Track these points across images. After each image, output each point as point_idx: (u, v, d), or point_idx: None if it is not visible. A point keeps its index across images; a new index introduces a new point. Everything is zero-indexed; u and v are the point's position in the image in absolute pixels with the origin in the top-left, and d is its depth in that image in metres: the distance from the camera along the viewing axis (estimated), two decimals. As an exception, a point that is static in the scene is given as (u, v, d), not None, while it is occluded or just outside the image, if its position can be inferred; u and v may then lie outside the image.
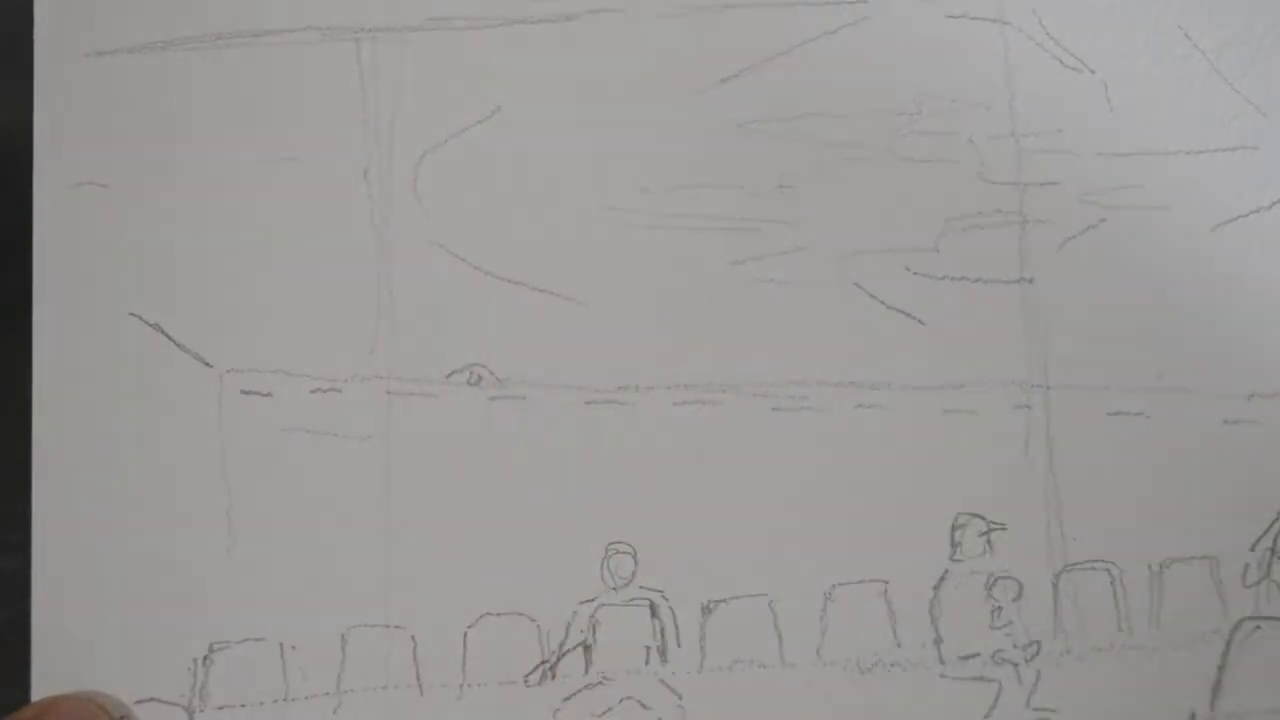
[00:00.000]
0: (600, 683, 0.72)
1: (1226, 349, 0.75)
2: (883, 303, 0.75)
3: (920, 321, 0.75)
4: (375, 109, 0.76)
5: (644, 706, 0.72)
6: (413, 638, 0.73)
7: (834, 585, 0.73)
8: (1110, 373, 0.75)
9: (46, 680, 0.71)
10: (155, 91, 0.76)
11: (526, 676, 0.72)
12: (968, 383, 0.74)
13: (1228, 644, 0.73)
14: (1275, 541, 0.73)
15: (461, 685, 0.72)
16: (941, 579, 0.73)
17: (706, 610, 0.73)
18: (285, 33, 0.76)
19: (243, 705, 0.72)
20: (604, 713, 0.72)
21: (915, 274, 0.75)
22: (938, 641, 0.73)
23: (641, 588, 0.73)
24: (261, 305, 0.74)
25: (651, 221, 0.75)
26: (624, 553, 0.73)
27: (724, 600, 0.73)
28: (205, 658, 0.72)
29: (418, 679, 0.72)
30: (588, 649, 0.72)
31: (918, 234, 0.76)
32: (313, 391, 0.73)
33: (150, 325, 0.73)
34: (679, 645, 0.73)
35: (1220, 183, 0.76)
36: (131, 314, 0.74)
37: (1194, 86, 0.77)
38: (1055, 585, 0.74)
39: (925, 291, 0.75)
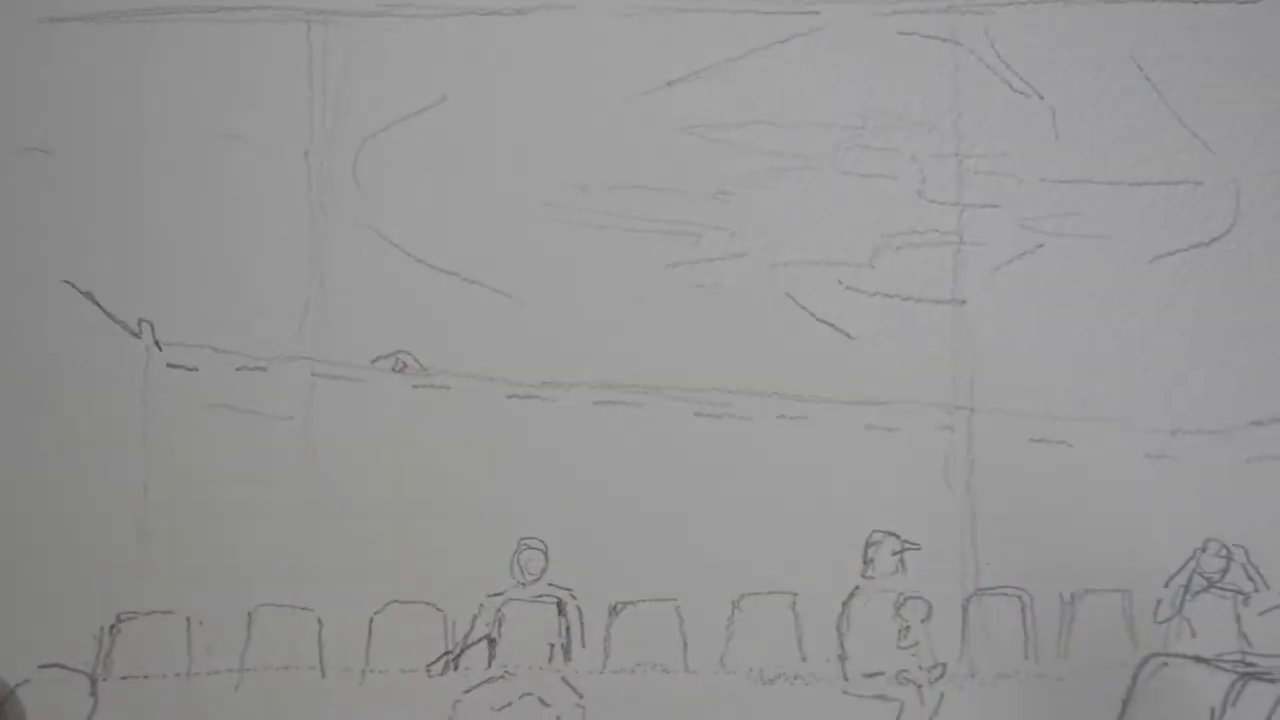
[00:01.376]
0: (502, 677, 0.74)
1: (1154, 383, 0.76)
2: (813, 315, 0.77)
3: (849, 336, 0.77)
4: (322, 91, 0.78)
5: (544, 703, 0.74)
6: (319, 620, 0.75)
7: (743, 594, 0.75)
8: (1036, 400, 0.76)
9: (-47, 639, 0.72)
10: (106, 61, 0.78)
11: (429, 666, 0.74)
12: (892, 400, 0.76)
13: (1134, 678, 0.74)
14: (1190, 579, 0.74)
15: (364, 670, 0.74)
16: (851, 595, 0.75)
17: (614, 611, 0.75)
18: (239, 10, 0.79)
19: (146, 676, 0.74)
20: (503, 707, 0.74)
21: (848, 288, 0.77)
22: (843, 657, 0.75)
23: (550, 585, 0.75)
24: (194, 280, 0.76)
25: (588, 220, 0.77)
26: (535, 549, 0.75)
27: (632, 602, 0.75)
28: (112, 627, 0.74)
29: (321, 661, 0.74)
30: (492, 642, 0.74)
31: (853, 248, 0.78)
32: (239, 369, 0.75)
33: (83, 294, 0.75)
34: (584, 645, 0.75)
35: (1161, 216, 0.77)
36: (65, 281, 0.76)
37: (1141, 118, 0.78)
38: (965, 608, 0.75)
39: (857, 306, 0.77)
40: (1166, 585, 0.75)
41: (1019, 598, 0.75)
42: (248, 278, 0.77)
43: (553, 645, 0.75)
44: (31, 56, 0.79)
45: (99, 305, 0.76)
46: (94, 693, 0.73)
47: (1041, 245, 0.78)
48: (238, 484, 0.75)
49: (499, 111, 0.78)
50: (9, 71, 0.78)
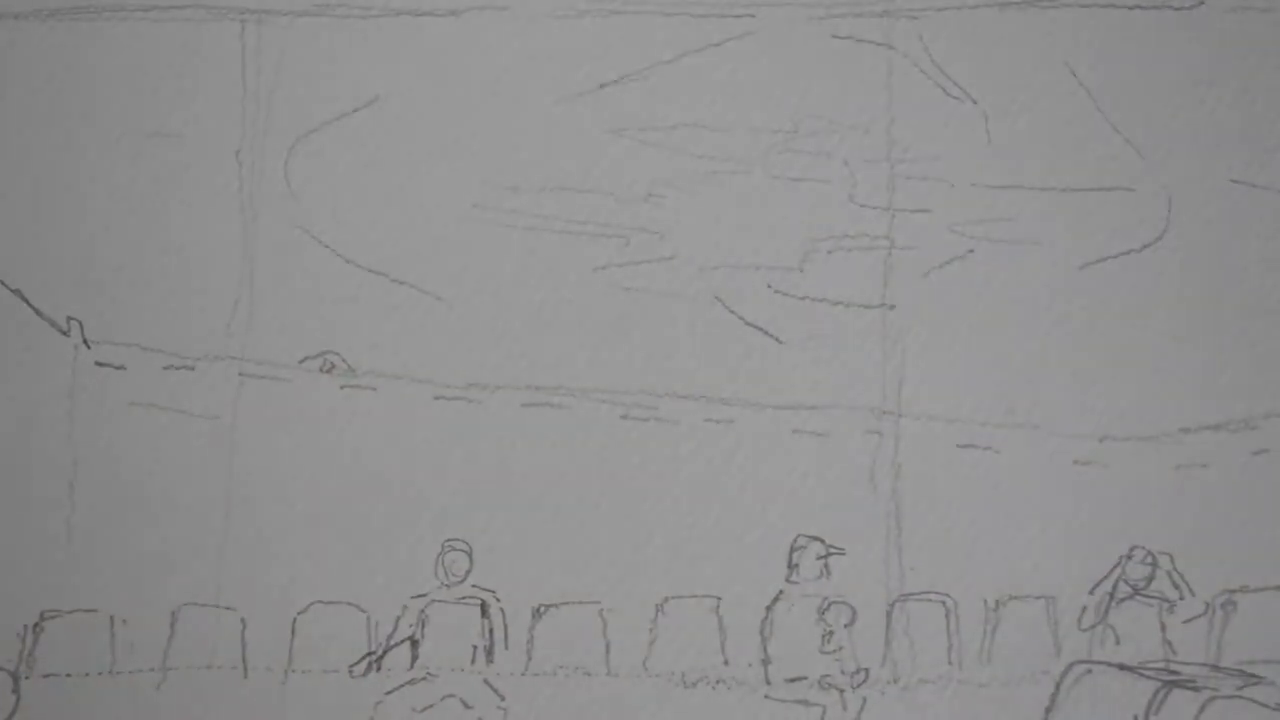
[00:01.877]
0: (424, 678, 0.75)
1: (1083, 389, 0.77)
2: (742, 318, 0.77)
3: (778, 340, 0.77)
4: (254, 90, 0.79)
5: (466, 705, 0.75)
6: (242, 620, 0.76)
7: (666, 598, 0.76)
8: (963, 405, 0.77)
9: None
10: (39, 57, 0.79)
11: (351, 666, 0.75)
12: (820, 405, 0.77)
13: (1058, 685, 0.75)
14: (1115, 587, 0.75)
15: (287, 670, 0.75)
16: (775, 599, 0.76)
17: (537, 614, 0.76)
18: (173, 9, 0.79)
19: (69, 675, 0.74)
20: (425, 708, 0.75)
21: (777, 292, 0.78)
22: (765, 661, 0.75)
23: (474, 586, 0.76)
24: (123, 278, 0.77)
25: (517, 221, 0.78)
26: (460, 550, 0.75)
27: (555, 605, 0.76)
28: (36, 625, 0.75)
29: (244, 661, 0.75)
30: (415, 644, 0.75)
31: (783, 252, 0.78)
32: (165, 368, 0.76)
33: (11, 290, 0.76)
34: (506, 647, 0.76)
35: (1093, 222, 0.78)
36: (-8, 278, 0.76)
37: (1075, 124, 0.79)
38: (889, 614, 0.76)
39: (786, 310, 0.78)
40: (1092, 592, 0.76)
41: (943, 603, 0.76)
42: (177, 276, 0.77)
43: (476, 647, 0.75)
44: (-42, 51, 0.78)
45: (27, 302, 0.76)
46: (16, 690, 0.74)
47: (972, 250, 0.78)
48: (164, 483, 0.76)
49: (431, 112, 0.79)
50: (-62, 67, 0.78)
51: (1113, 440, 0.77)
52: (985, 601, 0.76)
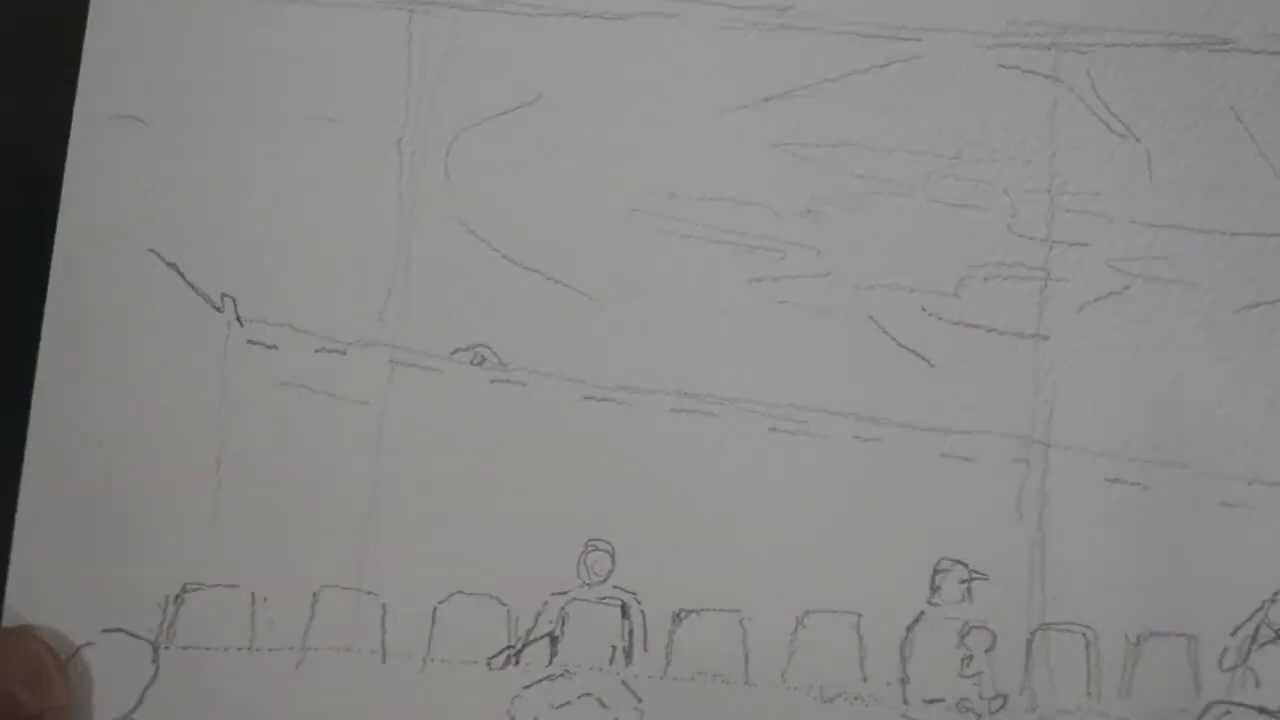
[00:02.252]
0: (562, 675, 0.78)
1: (1233, 431, 0.80)
2: (895, 339, 0.80)
3: (930, 363, 0.80)
4: (418, 81, 0.82)
5: (603, 705, 0.77)
6: (383, 605, 0.78)
7: (807, 611, 0.78)
8: (1112, 439, 0.80)
9: (19, 598, 0.76)
10: (207, 33, 0.82)
11: (490, 659, 0.78)
12: (969, 430, 0.80)
13: (1196, 725, 0.77)
14: (1257, 630, 0.78)
15: (425, 658, 0.77)
16: (916, 620, 0.79)
17: (677, 618, 0.78)
18: (342, -5, 0.82)
19: (208, 648, 0.77)
20: (562, 705, 0.77)
21: (931, 315, 0.81)
22: (904, 681, 0.78)
23: (615, 587, 0.78)
24: (279, 259, 0.80)
25: (675, 229, 0.81)
26: (602, 550, 0.78)
27: (696, 611, 0.78)
28: (177, 596, 0.77)
29: (383, 646, 0.78)
30: (554, 640, 0.78)
31: (939, 276, 0.81)
32: (317, 350, 0.79)
33: (168, 264, 0.79)
34: (645, 649, 0.78)
35: (1250, 266, 0.81)
36: (150, 250, 0.80)
37: (1237, 169, 0.82)
38: (1030, 642, 0.79)
39: (939, 334, 0.81)
40: (1234, 634, 0.78)
41: (1084, 634, 0.79)
42: (333, 261, 0.80)
43: (614, 648, 0.78)
44: (132, 23, 0.82)
45: (183, 277, 0.79)
46: (155, 660, 0.76)
47: (1128, 286, 0.81)
48: (310, 464, 0.78)
49: (593, 114, 0.82)
50: (109, 37, 0.81)
51: (1261, 484, 0.79)
52: (1126, 636, 0.79)
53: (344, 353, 0.78)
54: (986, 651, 0.77)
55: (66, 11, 0.81)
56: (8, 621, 0.75)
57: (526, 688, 0.77)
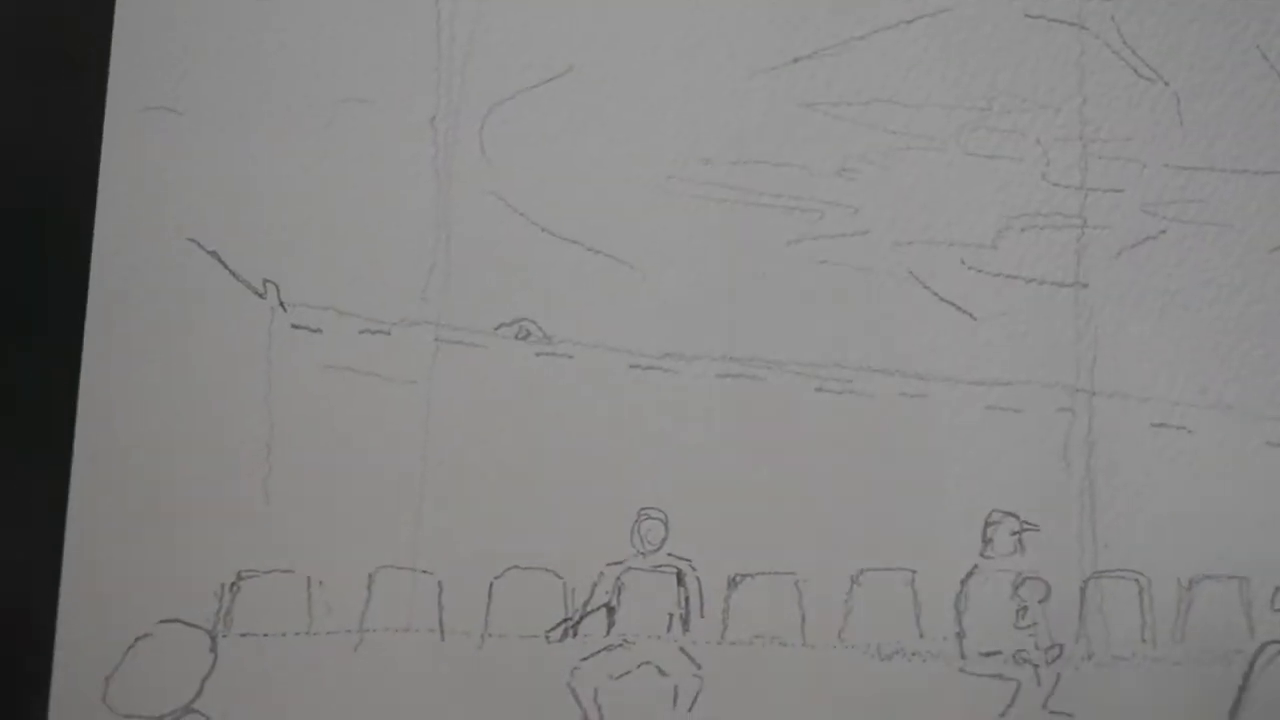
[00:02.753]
0: (621, 645, 0.77)
1: (1275, 371, 0.79)
2: (936, 294, 0.80)
3: (972, 316, 0.80)
4: (449, 57, 0.81)
5: (662, 672, 0.77)
6: (439, 583, 0.78)
7: (861, 570, 0.78)
8: (1156, 384, 0.80)
9: (75, 591, 0.76)
10: (235, 21, 0.81)
11: (548, 632, 0.77)
12: (1013, 381, 0.80)
13: (1250, 665, 0.78)
14: (1308, 568, 0.77)
15: (483, 635, 0.77)
16: (970, 574, 0.78)
17: (733, 583, 0.78)
18: (367, -25, 0.81)
19: (265, 634, 0.76)
20: (622, 675, 0.77)
21: (971, 269, 0.80)
22: (960, 635, 0.78)
23: (670, 555, 0.78)
24: (318, 242, 0.79)
25: (711, 193, 0.80)
26: (655, 519, 0.78)
27: (751, 575, 0.78)
28: (232, 584, 0.77)
29: (440, 624, 0.77)
30: (611, 611, 0.78)
31: (977, 229, 0.81)
32: (361, 332, 0.79)
33: (208, 252, 0.79)
34: (702, 615, 0.78)
35: (1284, 206, 0.80)
36: (190, 239, 0.79)
37: (1266, 108, 0.82)
38: (1083, 590, 0.78)
39: (979, 287, 0.80)
40: (1285, 573, 0.78)
41: (1136, 581, 0.78)
42: (372, 242, 0.79)
43: (671, 615, 0.78)
44: (158, 15, 0.81)
45: (224, 264, 0.79)
46: (214, 649, 0.76)
47: (1164, 231, 0.81)
48: (360, 446, 0.78)
49: (625, 84, 0.81)
50: (137, 30, 0.81)
51: (1305, 423, 0.79)
52: (1179, 580, 0.79)
53: (388, 333, 0.77)
54: (1041, 602, 0.77)
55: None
56: (63, 619, 0.74)
57: (585, 659, 0.76)
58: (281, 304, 0.78)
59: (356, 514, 0.77)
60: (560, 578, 0.77)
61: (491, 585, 0.77)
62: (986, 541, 0.77)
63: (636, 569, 0.76)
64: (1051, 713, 0.77)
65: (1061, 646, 0.77)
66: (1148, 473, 0.78)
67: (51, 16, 0.81)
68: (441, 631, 0.76)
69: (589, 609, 0.76)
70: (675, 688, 0.76)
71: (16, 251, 0.78)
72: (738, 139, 0.80)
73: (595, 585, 0.77)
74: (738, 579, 0.77)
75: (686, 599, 0.77)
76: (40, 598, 0.75)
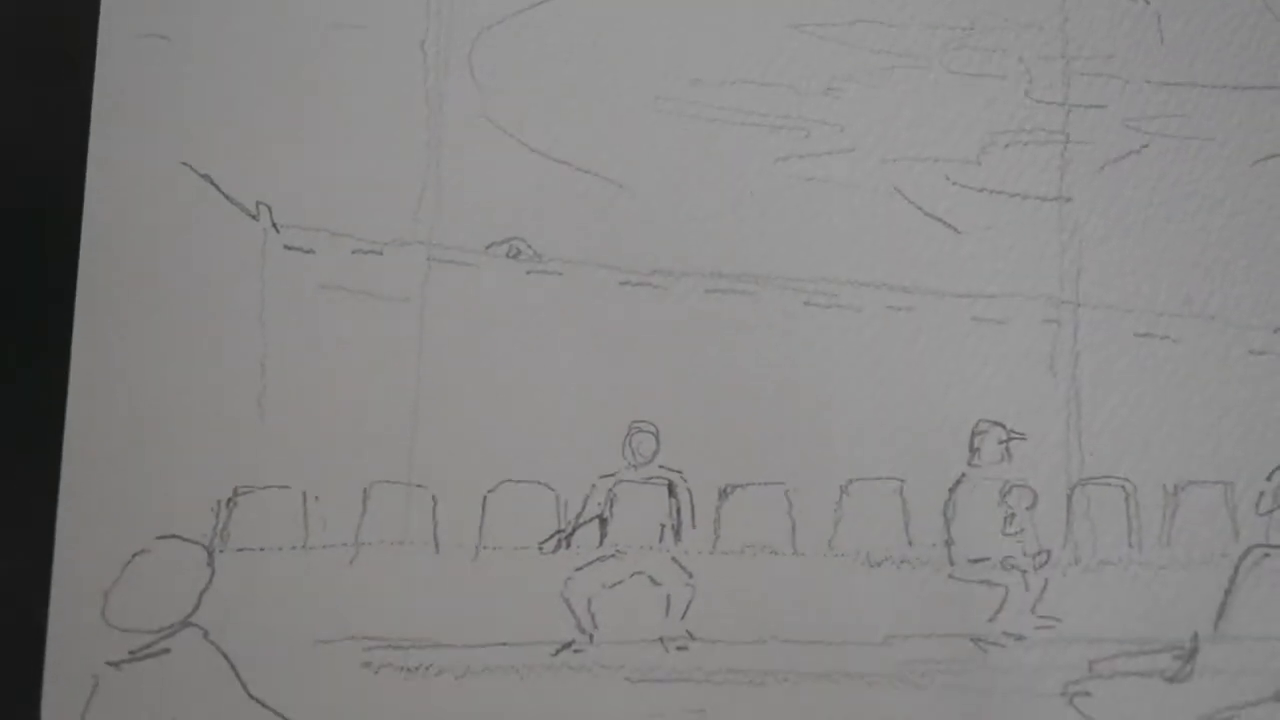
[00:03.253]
0: (613, 555, 0.78)
1: (1257, 281, 0.80)
2: (921, 209, 0.80)
3: (957, 230, 0.80)
4: (438, -17, 0.81)
5: (654, 581, 0.77)
6: (433, 497, 0.78)
7: (851, 480, 0.79)
8: (1140, 295, 0.80)
9: (72, 508, 0.76)
10: (221, -49, 0.81)
11: (541, 544, 0.78)
12: (999, 294, 0.80)
13: (1236, 569, 0.78)
14: (1291, 472, 0.78)
15: (477, 547, 0.77)
16: (958, 482, 0.79)
17: (723, 494, 0.78)
18: (356, -99, 0.82)
19: (262, 549, 0.77)
20: (614, 584, 0.77)
21: (955, 184, 0.81)
22: (949, 543, 0.78)
23: (661, 467, 0.78)
24: (310, 164, 0.79)
25: (700, 113, 0.81)
26: (647, 432, 0.78)
27: (741, 486, 0.78)
28: (229, 500, 0.77)
29: (435, 538, 0.78)
30: (604, 522, 0.78)
31: (961, 145, 0.81)
32: (354, 252, 0.79)
33: (201, 175, 0.79)
34: (693, 526, 0.78)
35: (1265, 120, 0.81)
36: (183, 163, 0.79)
37: (1246, 24, 0.82)
38: (1069, 497, 0.79)
39: (964, 201, 0.81)
40: (1269, 478, 0.79)
41: (1123, 487, 0.79)
42: (364, 164, 0.80)
43: (663, 526, 0.78)
44: (150, -56, 0.81)
45: (217, 187, 0.79)
46: (211, 563, 0.76)
47: (1147, 145, 0.82)
48: (353, 363, 0.78)
49: (612, 6, 0.81)
50: (129, -41, 0.81)
51: (1287, 331, 0.79)
52: (1164, 486, 0.79)
53: (380, 253, 0.78)
54: (1028, 509, 0.78)
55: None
56: (61, 535, 0.74)
57: (579, 569, 0.77)
58: (275, 225, 0.78)
59: (351, 430, 0.77)
60: (553, 490, 0.77)
61: (485, 499, 0.78)
62: (974, 451, 0.78)
63: (628, 481, 0.77)
64: (1040, 617, 0.77)
65: (1049, 552, 0.77)
66: (1133, 382, 0.78)
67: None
68: (436, 544, 0.77)
69: (581, 521, 0.77)
70: (668, 597, 0.76)
71: (12, 178, 0.78)
72: (725, 60, 0.81)
73: (588, 498, 0.77)
74: (728, 490, 0.77)
75: (678, 510, 0.77)
76: (37, 514, 0.75)
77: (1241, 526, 0.77)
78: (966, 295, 0.78)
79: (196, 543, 0.75)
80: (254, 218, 0.77)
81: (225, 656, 0.74)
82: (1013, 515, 0.76)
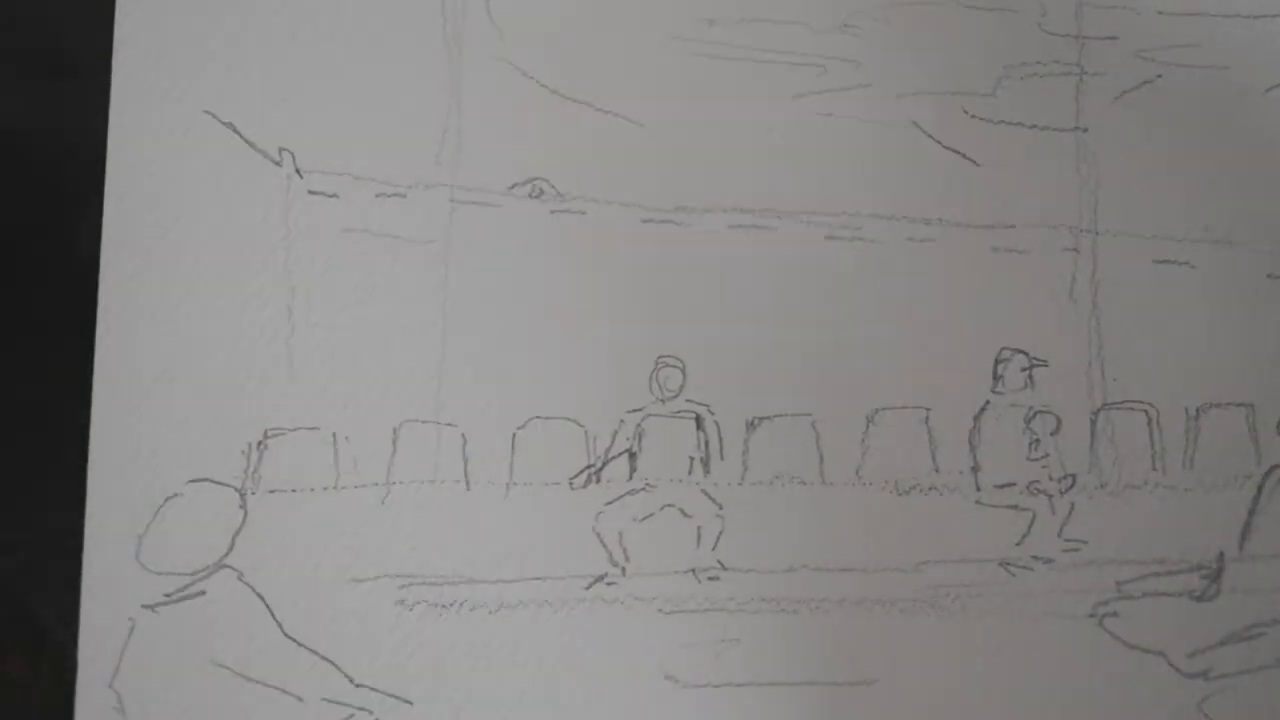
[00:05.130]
0: (643, 489, 0.77)
1: (1273, 206, 0.79)
2: (939, 142, 0.80)
3: (975, 163, 0.80)
4: (455, -72, 0.80)
5: (684, 514, 0.77)
6: (463, 435, 0.77)
7: (876, 409, 0.78)
8: (1158, 222, 0.80)
9: (104, 454, 0.75)
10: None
11: (571, 479, 0.77)
12: (1018, 224, 0.80)
13: (1259, 489, 0.78)
14: (1312, 393, 0.77)
15: (508, 484, 0.77)
16: (982, 409, 0.78)
17: (751, 426, 0.78)
18: None
19: (294, 490, 0.76)
20: (645, 518, 0.77)
21: (972, 117, 0.80)
22: (975, 469, 0.78)
23: (689, 401, 0.78)
24: (332, 110, 0.79)
25: (716, 52, 0.80)
26: (673, 366, 0.77)
27: (768, 417, 0.78)
28: (260, 443, 0.76)
29: (465, 475, 0.77)
30: (633, 456, 0.77)
31: (976, 79, 0.81)
32: (377, 195, 0.78)
33: (224, 124, 0.78)
34: (722, 458, 0.78)
35: (1277, 48, 0.81)
36: (206, 111, 0.78)
37: (1256, -47, 0.81)
38: (1093, 422, 0.78)
39: (981, 134, 0.80)
40: (1289, 400, 0.78)
41: (1145, 412, 0.78)
42: (385, 107, 0.79)
43: (692, 459, 0.77)
44: (167, -105, 0.80)
45: (240, 135, 0.78)
46: (243, 505, 0.75)
47: (1160, 75, 0.81)
48: (380, 305, 0.77)
49: (627, -51, 0.80)
50: (146, -90, 0.80)
51: (1304, 253, 0.79)
52: (1186, 410, 0.79)
53: (404, 196, 0.77)
54: (1052, 434, 0.77)
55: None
56: (93, 480, 0.73)
57: (609, 504, 0.76)
58: (298, 171, 0.77)
59: (380, 371, 0.76)
60: (582, 426, 0.77)
61: (514, 435, 0.77)
62: (997, 378, 0.77)
63: (656, 415, 0.76)
64: (1066, 540, 0.77)
65: (1074, 477, 0.77)
66: (1153, 308, 0.78)
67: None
68: (467, 482, 0.76)
69: (611, 455, 0.76)
70: (698, 528, 0.76)
71: (37, 129, 0.77)
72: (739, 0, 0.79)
73: (616, 432, 0.77)
74: (756, 422, 0.77)
75: (706, 442, 0.76)
76: (70, 459, 0.74)
77: (1263, 448, 0.77)
78: (986, 226, 0.78)
79: (229, 485, 0.74)
80: (277, 164, 0.76)
81: (260, 597, 0.74)
82: (1037, 441, 0.76)
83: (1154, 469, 0.76)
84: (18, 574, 0.73)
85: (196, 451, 0.76)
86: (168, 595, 0.73)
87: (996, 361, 0.76)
